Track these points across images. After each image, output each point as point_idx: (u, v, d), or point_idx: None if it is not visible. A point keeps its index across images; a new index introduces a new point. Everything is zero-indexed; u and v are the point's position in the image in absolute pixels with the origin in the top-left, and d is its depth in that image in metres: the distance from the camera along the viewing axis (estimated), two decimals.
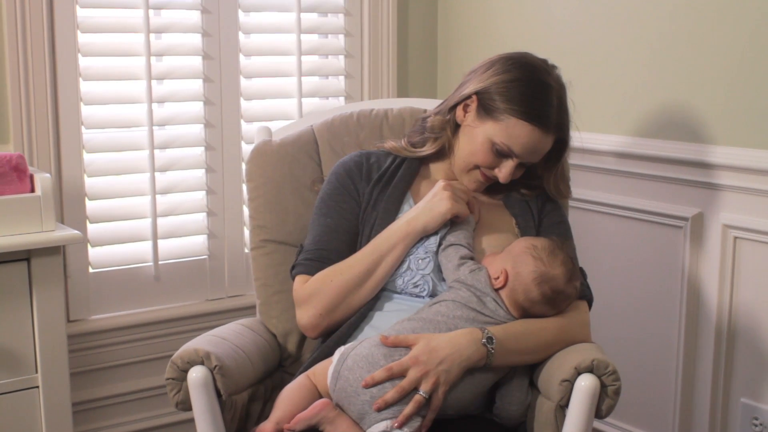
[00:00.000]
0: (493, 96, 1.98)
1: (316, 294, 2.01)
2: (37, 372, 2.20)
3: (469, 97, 2.03)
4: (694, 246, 2.51)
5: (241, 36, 2.86)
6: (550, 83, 2.00)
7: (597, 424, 2.81)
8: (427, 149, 2.12)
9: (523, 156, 1.99)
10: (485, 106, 1.99)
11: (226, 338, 1.99)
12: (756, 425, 2.42)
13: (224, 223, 2.89)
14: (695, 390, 2.56)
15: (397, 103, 2.44)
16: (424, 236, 2.01)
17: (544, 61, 2.04)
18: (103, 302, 2.75)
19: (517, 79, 1.98)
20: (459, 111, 2.06)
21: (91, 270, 2.71)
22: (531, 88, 1.98)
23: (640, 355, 2.69)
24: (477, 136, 2.01)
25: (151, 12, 2.68)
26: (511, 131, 1.96)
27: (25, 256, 2.15)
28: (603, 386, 1.79)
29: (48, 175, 2.21)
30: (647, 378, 2.68)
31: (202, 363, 1.84)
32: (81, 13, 2.60)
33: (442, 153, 2.13)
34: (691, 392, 2.57)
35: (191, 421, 2.85)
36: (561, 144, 2.05)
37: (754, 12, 2.31)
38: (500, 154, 1.99)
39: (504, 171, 2.01)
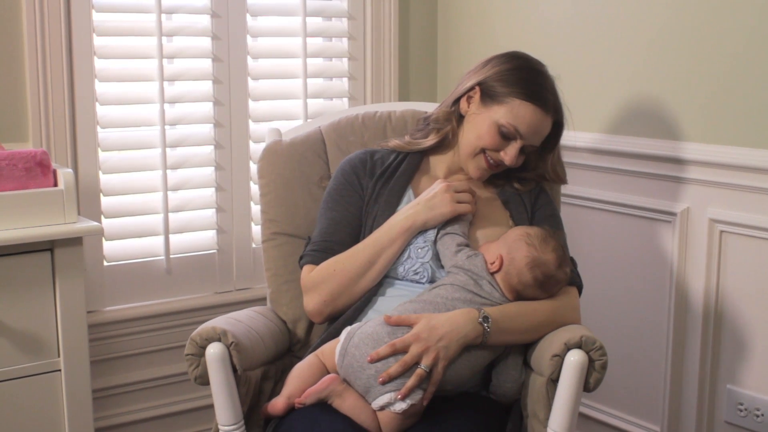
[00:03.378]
0: (497, 83, 2.08)
1: (321, 282, 2.08)
2: (59, 356, 2.23)
3: (471, 88, 2.12)
4: (682, 239, 2.54)
5: (249, 39, 2.88)
6: (544, 71, 2.12)
7: (590, 410, 2.85)
8: (431, 140, 2.19)
9: (527, 136, 2.07)
10: (489, 93, 2.09)
11: (240, 320, 2.04)
12: (741, 410, 2.45)
13: (233, 218, 2.92)
14: (683, 377, 2.59)
15: (399, 106, 2.50)
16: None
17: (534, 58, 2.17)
18: (117, 294, 2.78)
19: (515, 68, 2.10)
20: (462, 103, 2.14)
21: (105, 263, 2.74)
22: (529, 74, 2.09)
23: (631, 344, 2.72)
24: (483, 122, 2.09)
25: (163, 16, 2.70)
26: (516, 112, 2.05)
27: (48, 247, 2.18)
28: (591, 361, 1.85)
29: (70, 170, 2.23)
30: (638, 366, 2.71)
31: (219, 340, 1.90)
32: (97, 17, 2.63)
33: (444, 145, 2.20)
34: (680, 379, 2.60)
35: (203, 408, 2.92)
36: (557, 128, 2.14)
37: (737, 13, 2.35)
38: (506, 136, 2.07)
39: (510, 153, 2.08)
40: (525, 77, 2.08)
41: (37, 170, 2.19)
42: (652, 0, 2.56)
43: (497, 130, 2.08)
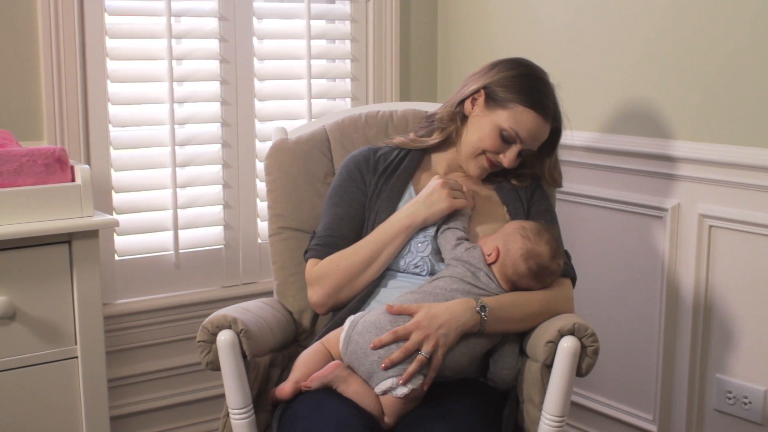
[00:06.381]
0: (501, 88, 2.14)
1: (324, 276, 2.14)
2: (76, 344, 2.27)
3: (477, 91, 2.19)
4: (673, 234, 2.58)
5: (255, 41, 2.93)
6: (547, 79, 2.18)
7: (584, 399, 2.89)
8: (435, 138, 2.25)
9: (527, 141, 2.14)
10: (493, 97, 2.15)
11: (249, 309, 2.10)
12: (729, 398, 2.50)
13: (239, 215, 2.96)
14: (674, 367, 2.63)
15: (401, 106, 2.55)
16: None
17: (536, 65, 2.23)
18: (128, 288, 2.83)
19: (521, 75, 2.16)
20: (467, 104, 2.21)
21: (117, 258, 2.78)
22: (534, 82, 2.15)
23: (624, 335, 2.76)
24: (485, 124, 2.16)
25: (172, 19, 2.75)
26: (519, 117, 2.12)
27: (66, 239, 2.22)
28: (583, 347, 1.91)
29: (87, 166, 2.26)
30: (631, 356, 2.75)
31: (229, 327, 1.96)
32: (109, 20, 2.67)
33: (447, 143, 2.26)
34: (671, 369, 2.64)
35: (212, 398, 2.95)
36: (555, 134, 2.21)
37: (728, 15, 2.39)
38: (506, 140, 2.14)
39: (509, 156, 2.15)
40: (529, 85, 2.14)
41: (55, 166, 2.24)
42: (644, 6, 2.60)
43: (499, 134, 2.14)
